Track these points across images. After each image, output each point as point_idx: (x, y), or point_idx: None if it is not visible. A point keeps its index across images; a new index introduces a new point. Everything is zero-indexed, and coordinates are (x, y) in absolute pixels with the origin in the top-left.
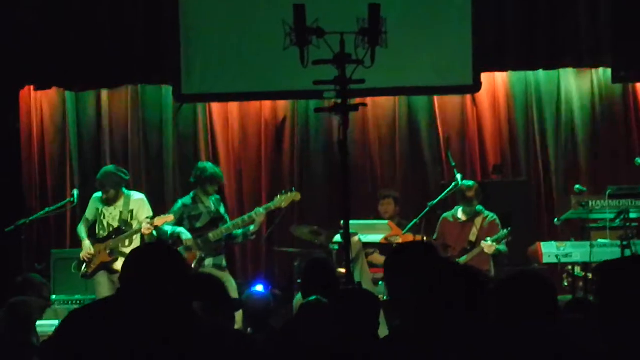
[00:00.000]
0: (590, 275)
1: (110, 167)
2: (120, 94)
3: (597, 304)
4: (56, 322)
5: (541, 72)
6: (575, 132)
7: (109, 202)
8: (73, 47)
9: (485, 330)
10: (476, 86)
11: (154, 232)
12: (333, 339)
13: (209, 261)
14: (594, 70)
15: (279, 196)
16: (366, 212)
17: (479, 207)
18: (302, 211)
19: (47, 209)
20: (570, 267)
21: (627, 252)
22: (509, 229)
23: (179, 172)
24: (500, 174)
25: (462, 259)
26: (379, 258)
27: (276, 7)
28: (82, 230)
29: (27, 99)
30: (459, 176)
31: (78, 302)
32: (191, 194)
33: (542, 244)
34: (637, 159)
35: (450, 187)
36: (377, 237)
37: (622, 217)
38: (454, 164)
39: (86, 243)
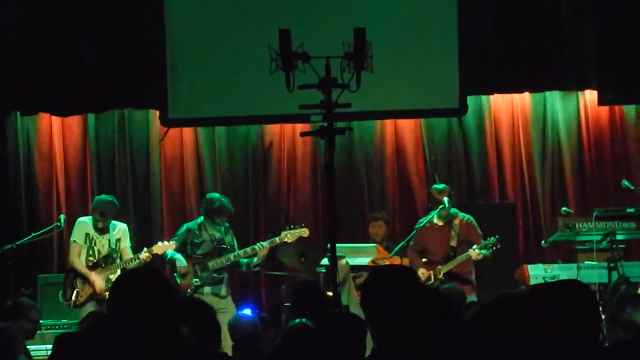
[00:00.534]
0: None
1: (107, 197)
2: (106, 119)
3: None
4: (42, 347)
5: (527, 95)
6: (561, 154)
7: (102, 230)
8: (59, 72)
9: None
10: (462, 109)
11: None
12: None
13: (207, 289)
14: (580, 93)
15: (285, 230)
16: (353, 235)
17: (454, 210)
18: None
19: (33, 234)
20: None
21: (614, 274)
22: (497, 236)
23: (166, 197)
24: (487, 197)
25: (447, 266)
26: None
27: (262, 32)
28: (80, 264)
29: (13, 124)
30: (445, 199)
31: (64, 326)
32: (199, 220)
33: (529, 266)
34: (623, 181)
35: (437, 209)
36: (364, 260)
37: (608, 239)
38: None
39: (97, 280)
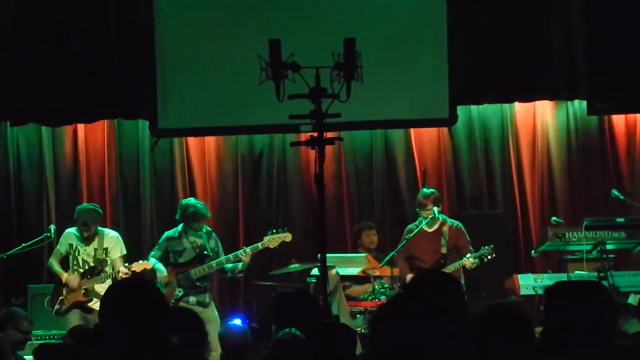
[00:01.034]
0: None
1: (88, 205)
2: (96, 129)
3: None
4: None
5: (517, 105)
6: (551, 164)
7: (88, 239)
8: (49, 83)
9: None
10: (452, 119)
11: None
12: None
13: (192, 299)
14: (569, 103)
15: (268, 235)
16: (343, 245)
17: (443, 216)
18: (279, 245)
19: (23, 244)
20: None
21: (604, 284)
22: (492, 245)
23: (156, 207)
24: (477, 207)
25: None
26: (356, 291)
27: (252, 42)
28: (55, 264)
29: (3, 134)
30: (435, 209)
31: (55, 337)
32: (179, 228)
33: (519, 275)
34: (613, 190)
35: (427, 219)
36: (354, 270)
37: (598, 248)
38: None
39: (70, 277)
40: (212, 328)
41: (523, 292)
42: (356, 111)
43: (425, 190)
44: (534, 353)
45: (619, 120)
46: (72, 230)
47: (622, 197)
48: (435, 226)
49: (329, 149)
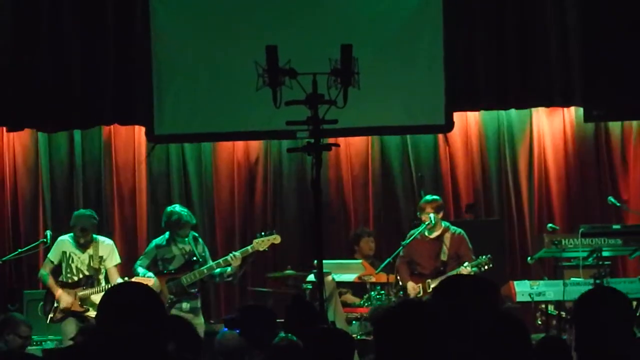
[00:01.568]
0: (563, 314)
1: (86, 211)
2: (92, 135)
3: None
4: None
5: (513, 112)
6: (547, 171)
7: (84, 246)
8: (45, 89)
9: None
10: (448, 126)
11: None
12: None
13: (185, 305)
14: (565, 109)
15: (257, 238)
16: (339, 251)
17: (445, 223)
18: (275, 251)
19: (19, 250)
20: (543, 306)
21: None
22: (489, 255)
23: (152, 213)
24: (473, 213)
25: (437, 280)
26: (352, 297)
27: (248, 48)
28: (48, 276)
29: None
30: (432, 215)
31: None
32: (166, 235)
33: (515, 282)
34: (609, 197)
35: (423, 225)
36: (350, 277)
37: (594, 255)
38: None
39: (63, 295)
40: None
41: (519, 298)
42: (352, 117)
43: (426, 196)
44: None
45: (614, 127)
46: (65, 238)
47: (618, 204)
48: (437, 233)
49: (325, 155)
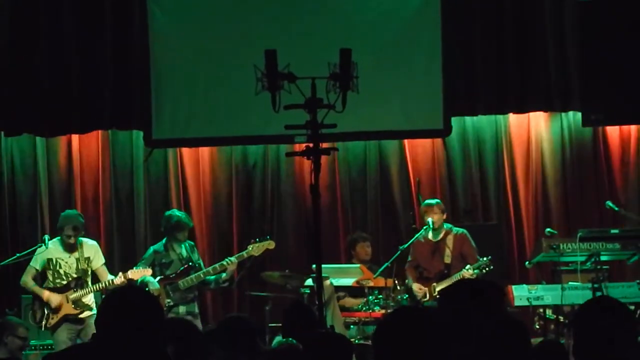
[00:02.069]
0: (561, 318)
1: (72, 211)
2: (90, 140)
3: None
4: None
5: (511, 116)
6: (545, 175)
7: (71, 248)
8: (43, 93)
9: None
10: (446, 130)
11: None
12: None
13: (182, 309)
14: (564, 114)
15: (252, 244)
16: (337, 255)
17: (448, 225)
18: (273, 255)
19: (18, 255)
20: (541, 310)
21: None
22: (489, 257)
23: (150, 217)
24: (471, 218)
25: (442, 284)
26: (350, 302)
27: (246, 52)
28: (31, 282)
29: None
30: (430, 220)
31: (49, 347)
32: (163, 241)
33: (513, 286)
34: (607, 202)
35: (422, 230)
36: (348, 281)
37: (593, 260)
38: None
39: (52, 296)
40: None
41: (517, 303)
42: (350, 122)
43: (429, 200)
44: None
45: (613, 132)
46: (49, 244)
47: (616, 209)
48: (440, 235)
49: (323, 159)
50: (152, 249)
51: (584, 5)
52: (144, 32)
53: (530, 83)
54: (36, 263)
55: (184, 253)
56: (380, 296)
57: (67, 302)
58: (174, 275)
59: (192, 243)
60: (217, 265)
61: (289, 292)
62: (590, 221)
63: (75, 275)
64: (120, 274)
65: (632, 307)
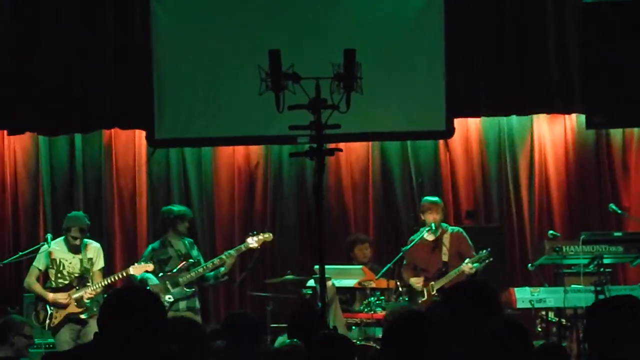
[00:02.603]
0: (564, 321)
1: (79, 212)
2: (93, 139)
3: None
4: None
5: (514, 118)
6: (548, 178)
7: (75, 249)
8: (46, 92)
9: None
10: (449, 132)
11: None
12: None
13: (182, 304)
14: (567, 116)
15: (249, 237)
16: (339, 257)
17: (443, 225)
18: (275, 256)
19: (20, 253)
20: (543, 313)
21: (601, 298)
22: (488, 249)
23: (152, 217)
24: (473, 220)
25: (440, 282)
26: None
27: (249, 52)
28: (35, 284)
29: (0, 143)
30: (432, 223)
31: (50, 346)
32: (161, 239)
33: (515, 289)
34: (610, 204)
35: (425, 230)
36: (350, 282)
37: (595, 262)
38: None
39: (57, 296)
40: None
41: (519, 305)
42: (353, 123)
43: (429, 197)
44: None
45: (616, 134)
46: (52, 244)
47: (619, 212)
48: (437, 234)
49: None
50: (150, 247)
51: (586, 7)
52: (147, 31)
53: (533, 85)
54: (39, 263)
55: (183, 249)
56: (382, 298)
57: (70, 300)
58: (173, 271)
59: (192, 240)
60: (215, 259)
61: (291, 293)
62: (593, 224)
63: (77, 275)
64: (123, 271)
65: None
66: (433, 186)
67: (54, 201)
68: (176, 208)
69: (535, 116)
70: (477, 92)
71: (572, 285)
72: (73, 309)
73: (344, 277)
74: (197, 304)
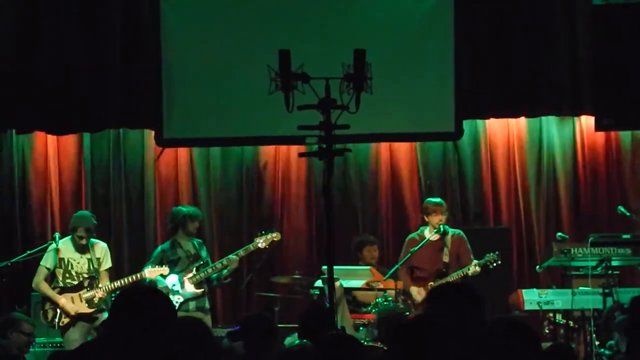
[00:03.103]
0: (571, 323)
1: (86, 212)
2: (101, 138)
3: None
4: None
5: (523, 120)
6: (557, 180)
7: (83, 249)
8: (55, 91)
9: None
10: (458, 133)
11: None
12: None
13: (192, 305)
14: (575, 118)
15: (257, 237)
16: (347, 257)
17: (445, 227)
18: (282, 256)
19: (28, 252)
20: (551, 315)
21: (609, 300)
22: (497, 252)
23: (160, 217)
24: (481, 221)
25: (440, 283)
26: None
27: (258, 52)
28: (45, 286)
29: (8, 142)
30: (441, 225)
31: (57, 345)
32: (170, 240)
33: (523, 291)
34: (619, 207)
35: (431, 233)
36: (358, 283)
37: (604, 265)
38: None
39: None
40: None
41: (527, 307)
42: (362, 124)
43: (433, 198)
44: None
45: (625, 137)
46: (60, 243)
47: (628, 214)
48: (438, 235)
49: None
50: (159, 248)
51: (597, 10)
52: (156, 31)
53: (542, 87)
54: (47, 262)
55: (192, 250)
56: (390, 298)
57: (81, 301)
58: (182, 272)
59: (200, 240)
60: (224, 260)
61: (298, 294)
62: (601, 226)
63: (87, 275)
64: (138, 274)
65: None
66: (441, 187)
67: (62, 201)
68: (186, 208)
69: (544, 118)
70: (486, 94)
71: (580, 288)
72: (84, 309)
73: (352, 278)
74: (207, 304)
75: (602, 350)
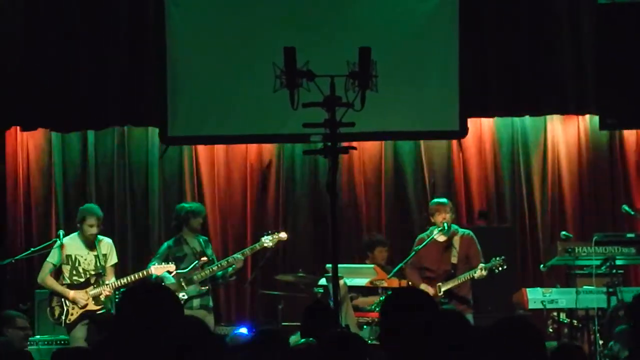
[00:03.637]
0: (575, 322)
1: (93, 204)
2: (106, 136)
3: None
4: None
5: (527, 118)
6: (561, 179)
7: (90, 245)
8: (59, 88)
9: None
10: (462, 131)
11: None
12: None
13: (196, 302)
14: (580, 117)
15: (264, 237)
16: (351, 255)
17: (454, 226)
18: (287, 254)
19: (32, 249)
20: (555, 314)
21: (613, 299)
22: (503, 257)
23: (164, 215)
24: (486, 220)
25: (449, 284)
26: (363, 301)
27: (263, 50)
28: (52, 280)
29: (13, 139)
30: (446, 224)
31: (62, 342)
32: (176, 237)
33: (527, 289)
34: (623, 206)
35: (436, 232)
36: (362, 281)
37: (608, 264)
38: None
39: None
40: None
41: (531, 306)
42: (366, 122)
43: (438, 199)
44: None
45: (629, 136)
46: (67, 240)
47: (632, 213)
48: (447, 236)
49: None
50: (165, 244)
51: (601, 8)
52: (161, 29)
53: (547, 86)
54: (53, 258)
55: (198, 247)
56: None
57: (89, 297)
58: (188, 268)
59: (206, 238)
60: (230, 257)
61: (302, 292)
62: (605, 225)
63: (94, 272)
64: (145, 271)
65: None
66: (446, 186)
67: (66, 198)
68: (188, 204)
69: (548, 117)
70: (491, 93)
71: (584, 287)
72: (91, 306)
73: (356, 276)
74: (210, 303)
75: (606, 351)
